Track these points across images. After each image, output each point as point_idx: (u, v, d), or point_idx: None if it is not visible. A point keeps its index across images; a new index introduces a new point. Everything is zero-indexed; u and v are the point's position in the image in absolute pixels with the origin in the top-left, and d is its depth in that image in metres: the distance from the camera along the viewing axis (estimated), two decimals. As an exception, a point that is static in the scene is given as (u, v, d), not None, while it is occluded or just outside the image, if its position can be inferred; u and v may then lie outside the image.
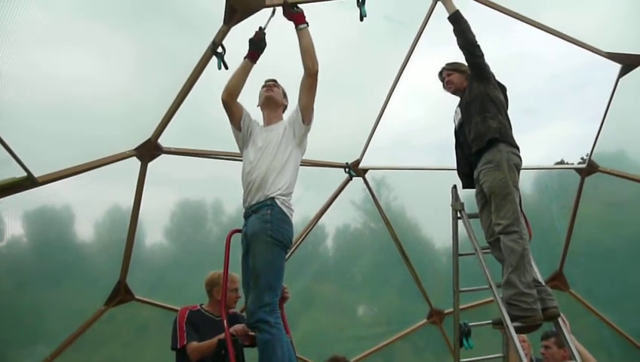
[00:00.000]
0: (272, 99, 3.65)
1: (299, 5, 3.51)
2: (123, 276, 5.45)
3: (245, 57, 3.57)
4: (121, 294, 5.50)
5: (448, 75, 4.24)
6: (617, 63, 5.38)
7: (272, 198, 3.26)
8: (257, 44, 3.56)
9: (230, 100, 3.55)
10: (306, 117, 3.42)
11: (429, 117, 6.61)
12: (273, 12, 3.63)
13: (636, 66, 5.30)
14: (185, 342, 3.63)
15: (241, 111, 3.60)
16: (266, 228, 3.18)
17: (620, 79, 5.48)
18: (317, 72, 3.32)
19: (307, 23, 3.43)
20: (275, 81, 3.72)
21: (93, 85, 4.85)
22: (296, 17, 3.42)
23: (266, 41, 3.58)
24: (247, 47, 3.58)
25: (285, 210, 3.28)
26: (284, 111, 3.71)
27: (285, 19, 3.51)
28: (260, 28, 3.60)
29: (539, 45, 5.62)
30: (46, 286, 5.65)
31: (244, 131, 3.59)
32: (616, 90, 5.57)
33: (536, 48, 5.83)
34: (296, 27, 3.40)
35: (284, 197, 3.30)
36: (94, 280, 6.05)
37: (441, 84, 4.36)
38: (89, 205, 5.82)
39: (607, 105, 5.69)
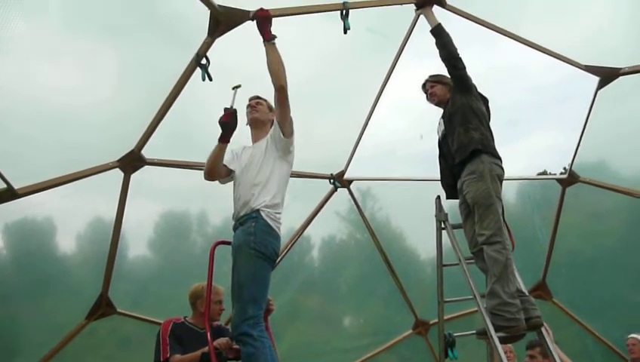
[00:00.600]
0: (258, 120, 3.67)
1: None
2: (105, 289, 5.37)
3: (218, 140, 3.50)
4: (102, 307, 5.43)
5: (431, 86, 4.29)
6: (596, 76, 5.48)
7: (257, 211, 3.26)
8: (228, 125, 3.47)
9: (213, 178, 3.62)
10: (285, 130, 3.41)
11: (413, 128, 6.67)
12: (238, 86, 3.62)
13: (613, 79, 5.40)
14: (168, 355, 3.58)
15: (226, 167, 3.61)
16: (249, 241, 3.17)
17: (599, 91, 5.58)
18: (282, 86, 3.27)
19: (275, 37, 3.36)
20: (258, 97, 3.72)
21: (75, 95, 4.81)
22: (267, 33, 3.35)
23: (237, 117, 3.51)
24: (220, 130, 3.49)
25: (271, 222, 3.26)
26: (272, 125, 3.69)
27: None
28: (227, 108, 3.50)
29: (520, 58, 5.71)
30: (26, 299, 5.54)
31: (234, 166, 3.62)
32: (596, 102, 5.67)
33: (518, 61, 5.93)
34: (265, 42, 3.34)
35: (269, 210, 3.29)
36: (76, 293, 5.96)
37: (425, 95, 4.41)
38: (71, 217, 5.75)
39: (587, 117, 5.79)
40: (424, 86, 4.39)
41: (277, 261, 3.35)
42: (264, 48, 3.34)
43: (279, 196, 3.39)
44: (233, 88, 3.62)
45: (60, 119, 4.91)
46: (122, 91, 5.11)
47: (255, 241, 3.16)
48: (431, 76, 4.34)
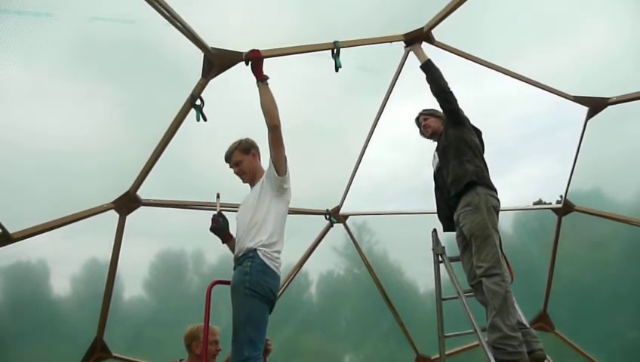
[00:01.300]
0: (244, 176, 3.71)
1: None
2: (100, 333, 5.27)
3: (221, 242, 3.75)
4: (97, 352, 5.31)
5: (425, 119, 4.35)
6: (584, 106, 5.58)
7: (254, 250, 3.25)
8: (217, 229, 3.70)
9: None
10: (279, 169, 3.41)
11: (407, 163, 6.73)
12: (218, 196, 3.88)
13: (602, 109, 5.49)
14: None
15: None
16: (244, 281, 3.15)
17: (590, 121, 5.67)
18: (276, 126, 3.29)
19: (268, 78, 3.40)
20: (234, 163, 3.72)
21: (70, 137, 4.84)
22: (260, 74, 3.39)
23: (225, 218, 3.74)
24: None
25: (267, 261, 3.24)
26: (259, 157, 3.76)
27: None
28: (214, 215, 3.74)
29: (509, 90, 5.82)
30: (19, 344, 5.43)
31: None
32: (588, 130, 5.75)
33: (507, 92, 6.03)
34: (258, 82, 3.38)
35: (265, 249, 3.27)
36: (70, 337, 5.85)
37: (418, 130, 4.46)
38: (65, 259, 5.70)
39: (579, 145, 5.85)
40: (417, 119, 4.45)
41: (275, 300, 3.31)
42: (257, 89, 3.38)
43: (276, 235, 3.38)
44: (217, 198, 3.90)
45: (56, 161, 4.92)
46: (117, 133, 5.15)
47: (250, 281, 3.14)
48: (424, 110, 4.41)
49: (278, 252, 3.36)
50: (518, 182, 7.19)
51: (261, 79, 3.37)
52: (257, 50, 3.42)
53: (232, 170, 3.74)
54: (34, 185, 4.87)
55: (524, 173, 7.37)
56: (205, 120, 3.80)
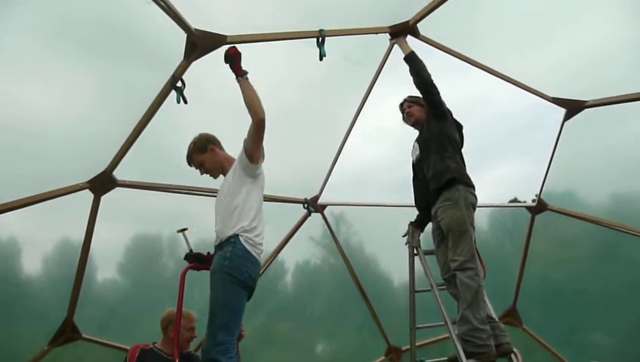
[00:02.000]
0: (213, 173, 3.68)
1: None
2: (70, 314, 5.20)
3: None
4: (67, 333, 5.24)
5: (409, 106, 4.35)
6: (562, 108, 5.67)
7: (236, 235, 3.23)
8: (198, 266, 3.60)
9: None
10: (253, 158, 3.39)
11: (389, 156, 6.76)
12: (184, 229, 3.75)
13: (579, 111, 5.59)
14: None
15: None
16: (223, 266, 3.14)
17: (567, 123, 5.77)
18: (262, 120, 3.26)
19: (247, 72, 3.37)
20: (193, 165, 3.71)
21: (47, 114, 4.74)
22: (239, 69, 3.36)
23: (198, 255, 3.62)
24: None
25: (249, 247, 3.23)
26: (219, 147, 3.72)
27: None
28: (187, 254, 3.67)
29: (490, 88, 5.88)
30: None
31: None
32: (564, 132, 5.85)
33: (488, 91, 6.10)
34: (238, 77, 3.36)
35: (247, 234, 3.26)
36: (40, 317, 5.75)
37: (401, 115, 4.45)
38: (37, 238, 5.60)
39: (554, 147, 5.96)
40: (401, 105, 4.44)
41: (254, 287, 3.29)
42: (238, 85, 3.35)
43: (257, 220, 3.37)
44: (179, 231, 3.77)
45: (29, 138, 4.81)
46: (96, 111, 5.05)
47: (230, 266, 3.13)
48: (409, 96, 4.40)
49: (259, 237, 3.34)
50: (494, 179, 7.30)
51: (240, 74, 3.34)
52: (234, 47, 3.40)
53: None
54: (7, 163, 4.77)
55: (500, 172, 7.49)
56: (186, 102, 3.77)
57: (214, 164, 3.65)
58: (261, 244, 3.35)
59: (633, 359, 6.83)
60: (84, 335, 5.37)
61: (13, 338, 5.60)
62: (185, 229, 3.75)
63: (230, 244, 3.21)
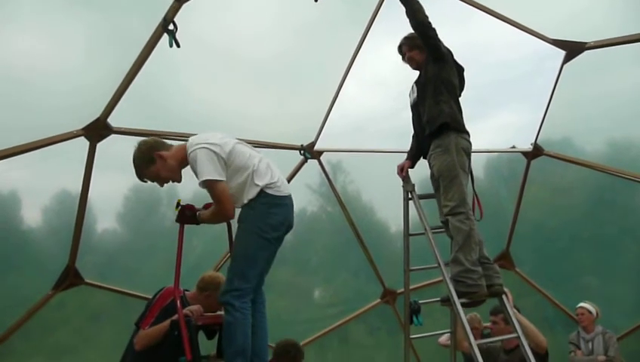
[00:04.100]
0: (174, 179, 3.30)
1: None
2: (72, 260, 5.29)
3: None
4: (70, 278, 5.35)
5: (409, 50, 4.22)
6: (562, 50, 5.58)
7: (250, 200, 3.13)
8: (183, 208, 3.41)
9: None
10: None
11: (386, 103, 6.70)
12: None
13: (579, 53, 5.50)
14: (147, 327, 3.53)
15: None
16: (248, 215, 3.15)
17: (566, 67, 5.69)
18: (229, 218, 3.28)
19: (201, 216, 3.29)
20: (149, 180, 3.34)
21: (40, 61, 4.67)
22: (195, 220, 3.33)
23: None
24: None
25: (269, 198, 3.13)
26: (165, 149, 3.29)
27: None
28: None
29: (493, 35, 5.77)
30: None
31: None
32: (563, 79, 5.78)
33: (490, 38, 5.99)
34: (198, 221, 3.33)
35: (261, 191, 3.12)
36: (42, 266, 5.87)
37: (401, 57, 4.34)
38: (36, 189, 5.63)
39: (552, 92, 5.90)
40: (400, 48, 4.32)
41: (281, 234, 3.22)
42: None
43: (256, 176, 3.15)
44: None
45: (23, 87, 4.76)
46: (89, 58, 4.98)
47: (254, 215, 3.12)
48: (406, 39, 4.21)
49: (269, 176, 3.17)
50: (492, 128, 7.28)
51: (198, 222, 3.33)
52: (191, 205, 3.35)
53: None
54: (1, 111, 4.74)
55: (499, 120, 7.46)
56: (178, 46, 3.70)
57: (170, 169, 3.23)
58: (277, 181, 3.20)
59: (621, 299, 7.04)
60: (86, 280, 5.48)
61: (19, 285, 5.72)
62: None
63: (249, 206, 3.15)
